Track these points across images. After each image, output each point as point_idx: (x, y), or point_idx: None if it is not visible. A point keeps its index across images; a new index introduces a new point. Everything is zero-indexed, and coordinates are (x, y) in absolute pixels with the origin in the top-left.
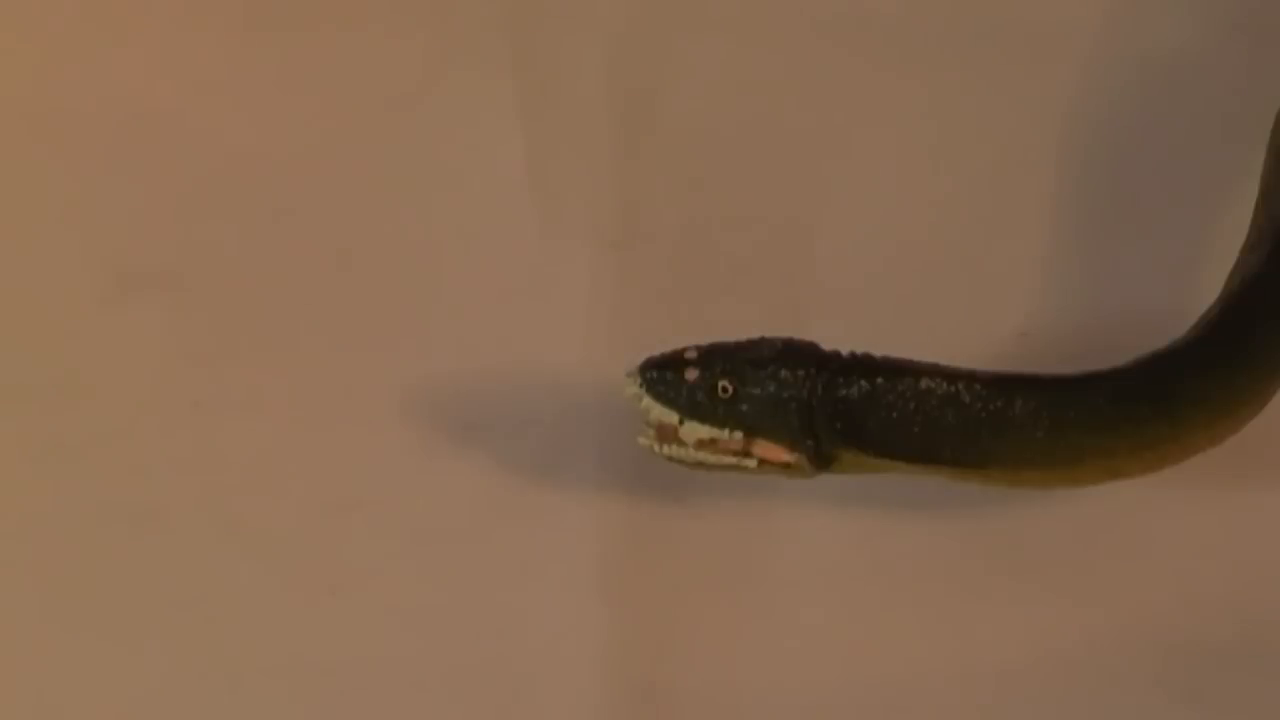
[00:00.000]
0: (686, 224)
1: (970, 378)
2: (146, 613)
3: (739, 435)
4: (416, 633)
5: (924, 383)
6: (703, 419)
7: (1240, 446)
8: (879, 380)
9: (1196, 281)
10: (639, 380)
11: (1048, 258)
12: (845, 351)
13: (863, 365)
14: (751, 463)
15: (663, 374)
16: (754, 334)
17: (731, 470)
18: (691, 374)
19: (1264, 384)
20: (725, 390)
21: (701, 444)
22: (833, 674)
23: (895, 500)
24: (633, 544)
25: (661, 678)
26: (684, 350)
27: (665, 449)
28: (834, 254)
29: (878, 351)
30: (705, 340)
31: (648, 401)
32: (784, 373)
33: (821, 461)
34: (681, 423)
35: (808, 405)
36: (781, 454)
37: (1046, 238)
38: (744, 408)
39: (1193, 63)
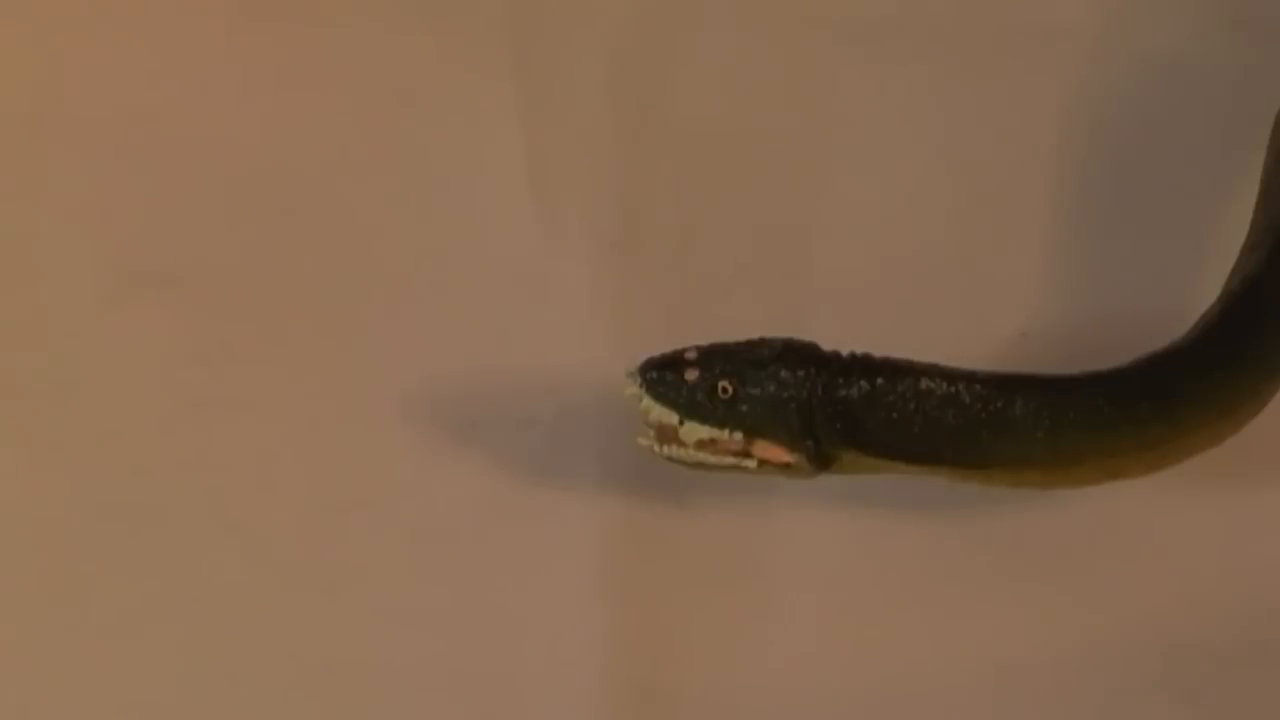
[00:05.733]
0: (686, 224)
1: (970, 378)
2: (146, 613)
3: (739, 435)
4: (416, 633)
5: (924, 383)
6: (703, 419)
7: (1240, 446)
8: (879, 380)
9: (1196, 281)
10: (639, 380)
11: (1048, 258)
12: (845, 352)
13: (863, 365)
14: (751, 463)
15: (663, 374)
16: (754, 334)
17: (731, 470)
18: (691, 374)
19: (1264, 384)
20: (725, 390)
21: (701, 444)
22: (832, 674)
23: (895, 500)
24: (633, 544)
25: (661, 678)
26: (684, 350)
27: (665, 449)
28: (834, 254)
29: (878, 351)
30: (705, 340)
31: (647, 402)
32: (784, 373)
33: (821, 461)
34: (681, 423)
35: (808, 405)
36: (781, 454)
37: (1047, 238)
38: (744, 408)
39: (1193, 63)
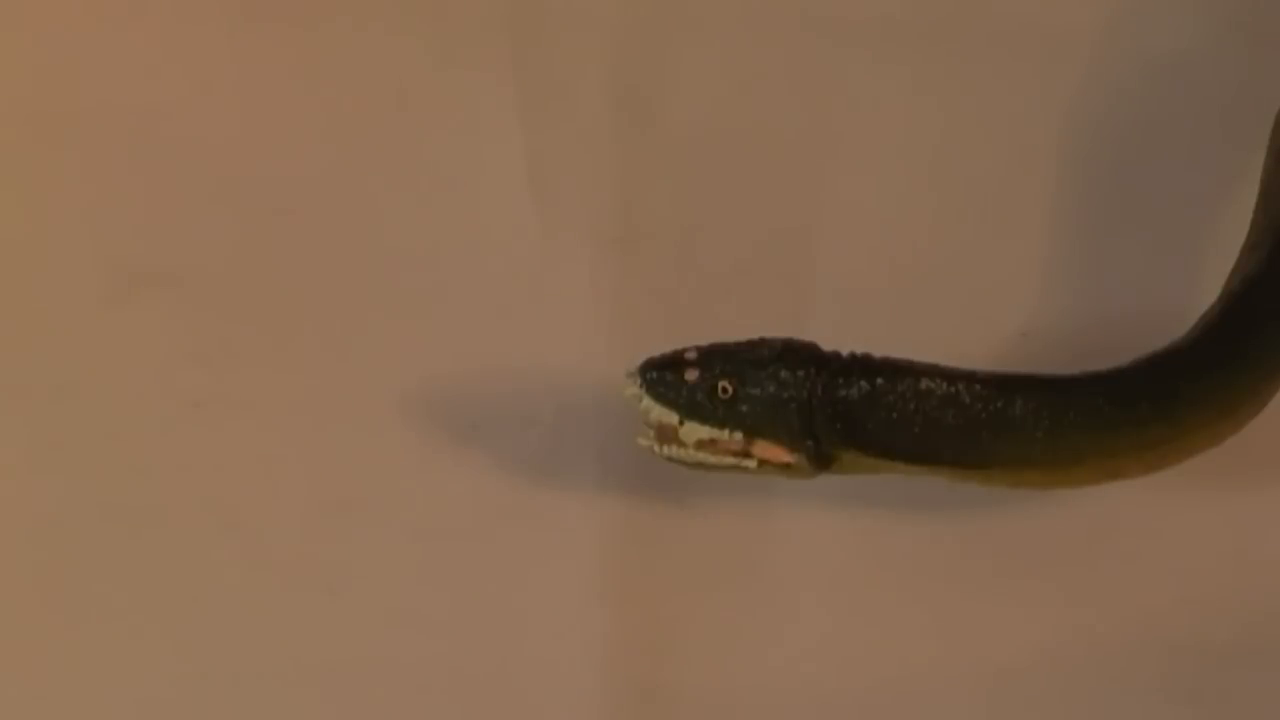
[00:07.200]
0: (686, 224)
1: (970, 378)
2: (146, 613)
3: (739, 436)
4: (416, 633)
5: (924, 383)
6: (703, 419)
7: (1240, 446)
8: (879, 380)
9: (1196, 281)
10: (639, 380)
11: (1048, 258)
12: (845, 352)
13: (863, 365)
14: (751, 463)
15: (662, 374)
16: (754, 334)
17: (731, 470)
18: (691, 374)
19: (1264, 384)
20: (725, 391)
21: (701, 444)
22: (832, 674)
23: (895, 500)
24: (633, 544)
25: (661, 678)
26: (684, 350)
27: (665, 449)
28: (834, 254)
29: (878, 351)
30: (705, 340)
31: (647, 402)
32: (784, 373)
33: (821, 461)
34: (681, 423)
35: (808, 405)
36: (781, 454)
37: (1047, 238)
38: (744, 408)
39: (1193, 63)
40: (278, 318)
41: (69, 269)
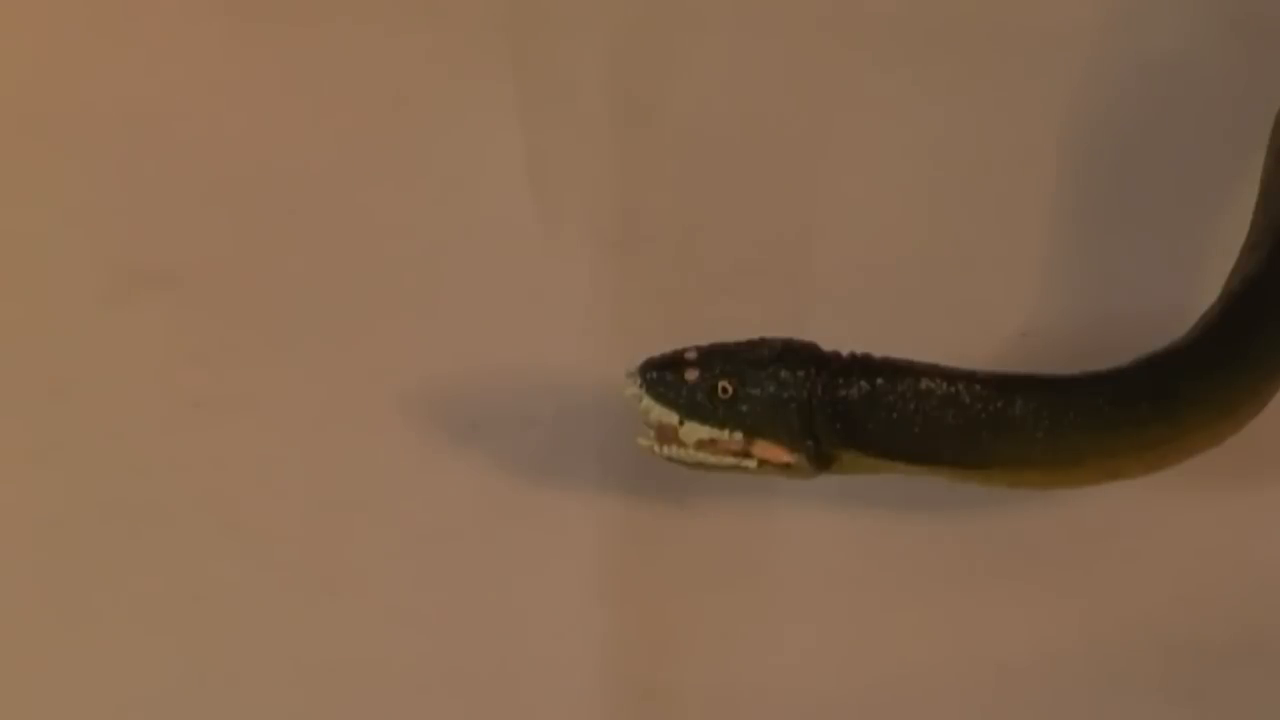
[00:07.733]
0: (687, 224)
1: (970, 378)
2: (146, 613)
3: (739, 436)
4: (416, 632)
5: (924, 383)
6: (703, 419)
7: (1240, 446)
8: (879, 381)
9: (1196, 281)
10: (639, 380)
11: (1048, 258)
12: (845, 352)
13: (863, 365)
14: (751, 463)
15: (662, 374)
16: (754, 334)
17: (731, 470)
18: (691, 374)
19: (1264, 384)
20: (725, 391)
21: (701, 444)
22: (833, 674)
23: (895, 500)
24: (633, 544)
25: (661, 678)
26: (684, 351)
27: (665, 449)
28: (834, 254)
29: (878, 351)
30: (705, 341)
31: (647, 402)
32: (784, 373)
33: (821, 461)
34: (681, 423)
35: (808, 406)
36: (781, 454)
37: (1047, 238)
38: (744, 408)
39: (1193, 63)
40: (278, 318)
41: (68, 269)
